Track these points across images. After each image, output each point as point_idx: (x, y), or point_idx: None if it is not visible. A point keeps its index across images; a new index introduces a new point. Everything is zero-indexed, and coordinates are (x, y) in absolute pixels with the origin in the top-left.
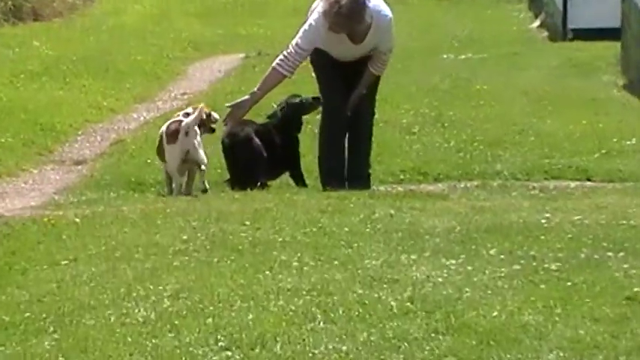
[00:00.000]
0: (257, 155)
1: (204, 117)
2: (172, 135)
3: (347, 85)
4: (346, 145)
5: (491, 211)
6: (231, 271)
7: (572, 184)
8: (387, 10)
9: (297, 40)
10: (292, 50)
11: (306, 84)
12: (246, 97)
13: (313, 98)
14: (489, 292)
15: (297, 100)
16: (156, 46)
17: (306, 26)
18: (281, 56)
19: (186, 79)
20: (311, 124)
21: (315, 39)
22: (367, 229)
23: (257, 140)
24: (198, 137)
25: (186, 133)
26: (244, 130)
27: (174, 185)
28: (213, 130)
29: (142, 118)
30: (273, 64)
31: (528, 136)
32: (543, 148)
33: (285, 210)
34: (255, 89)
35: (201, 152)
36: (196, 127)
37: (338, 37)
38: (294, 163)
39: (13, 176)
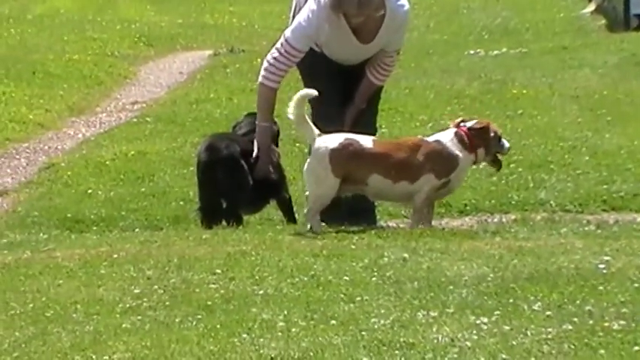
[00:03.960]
0: (243, 178)
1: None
2: None
3: (343, 96)
4: None
5: (533, 254)
6: (198, 334)
7: (639, 218)
8: None
9: (287, 37)
10: (281, 52)
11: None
12: (258, 139)
13: None
14: (532, 359)
15: None
16: (98, 42)
17: (301, 19)
18: (265, 63)
19: (137, 84)
20: (301, 142)
21: (314, 35)
22: (373, 279)
23: (242, 160)
24: None
25: None
26: (228, 144)
27: None
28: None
29: (80, 136)
30: (260, 78)
31: (581, 155)
32: (601, 171)
33: (267, 254)
34: (257, 121)
35: None
36: None
37: (342, 33)
38: (280, 187)
39: None
